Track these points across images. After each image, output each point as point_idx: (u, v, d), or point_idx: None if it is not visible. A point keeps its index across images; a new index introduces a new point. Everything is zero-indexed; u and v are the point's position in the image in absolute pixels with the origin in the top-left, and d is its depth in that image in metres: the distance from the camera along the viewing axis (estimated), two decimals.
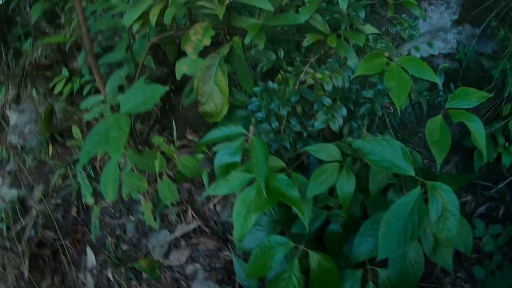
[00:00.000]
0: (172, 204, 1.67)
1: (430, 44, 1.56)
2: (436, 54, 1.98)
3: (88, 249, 1.86)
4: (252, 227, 1.30)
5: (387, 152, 1.03)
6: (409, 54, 1.59)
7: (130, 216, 1.78)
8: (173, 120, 1.31)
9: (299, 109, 1.22)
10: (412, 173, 1.02)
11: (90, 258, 1.85)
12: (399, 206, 1.01)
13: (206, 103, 1.31)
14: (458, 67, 1.93)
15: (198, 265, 1.59)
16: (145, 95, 1.25)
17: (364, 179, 1.23)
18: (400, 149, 1.03)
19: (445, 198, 0.98)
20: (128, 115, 1.21)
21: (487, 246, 1.52)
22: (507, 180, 1.64)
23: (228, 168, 1.09)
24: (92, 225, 1.68)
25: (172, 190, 1.18)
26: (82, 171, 1.79)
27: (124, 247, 1.75)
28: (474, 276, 1.50)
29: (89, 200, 1.73)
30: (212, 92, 1.29)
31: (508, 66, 1.69)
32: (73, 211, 1.97)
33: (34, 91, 2.17)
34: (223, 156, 1.10)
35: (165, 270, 1.62)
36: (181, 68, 1.25)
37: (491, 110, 1.73)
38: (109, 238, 1.76)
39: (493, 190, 1.63)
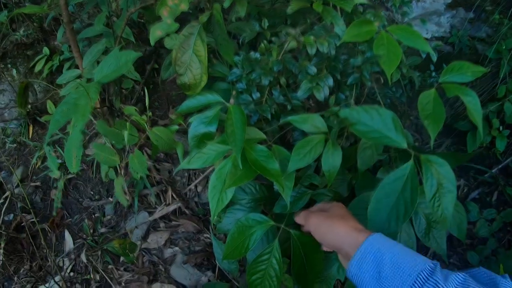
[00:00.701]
0: (152, 185, 1.57)
1: (423, 21, 1.45)
2: (429, 37, 1.89)
3: (67, 233, 1.75)
4: (232, 207, 1.20)
5: (376, 122, 0.91)
6: None
7: (110, 198, 1.68)
8: (145, 90, 1.20)
9: (282, 80, 1.11)
10: (405, 145, 0.90)
11: (68, 241, 1.75)
12: (390, 181, 0.88)
13: (184, 74, 1.20)
14: (451, 50, 1.84)
15: (177, 248, 1.49)
16: (118, 63, 1.16)
17: (352, 158, 1.12)
18: (391, 119, 0.91)
19: (440, 173, 0.86)
20: (98, 84, 1.12)
21: (481, 231, 1.42)
22: (501, 165, 1.55)
23: (203, 139, 0.98)
24: (55, 199, 1.57)
25: (141, 162, 1.07)
26: (50, 145, 1.68)
27: (102, 229, 1.65)
28: (467, 262, 1.41)
29: (55, 173, 1.62)
30: (191, 62, 1.19)
31: (504, 47, 1.60)
32: (52, 194, 1.86)
33: (14, 71, 2.06)
34: (197, 126, 0.98)
35: (143, 253, 1.52)
36: (156, 32, 1.14)
37: (485, 93, 1.64)
38: (87, 221, 1.66)
39: (487, 175, 1.54)
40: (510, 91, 1.55)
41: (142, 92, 1.71)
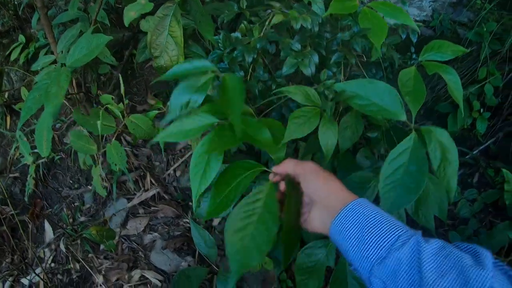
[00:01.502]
0: (130, 171, 1.52)
1: (403, 2, 1.43)
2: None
3: (46, 223, 1.70)
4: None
5: (374, 95, 0.86)
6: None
7: (89, 186, 1.63)
8: (120, 75, 1.16)
9: (264, 60, 1.08)
10: (404, 117, 0.85)
11: (48, 232, 1.70)
12: (393, 157, 0.84)
13: (160, 56, 1.16)
14: (432, 34, 1.82)
15: (156, 234, 1.45)
16: (89, 46, 1.11)
17: None
18: (389, 92, 0.86)
19: (443, 143, 0.83)
20: (69, 69, 1.08)
21: (462, 211, 1.40)
22: (482, 146, 1.54)
23: (186, 107, 0.89)
24: (27, 185, 1.52)
25: (120, 154, 1.02)
26: (21, 131, 1.62)
27: (82, 218, 1.60)
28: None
29: (27, 159, 1.57)
30: (167, 44, 1.14)
31: (485, 30, 1.58)
32: (31, 185, 1.80)
33: None
34: (181, 93, 0.85)
35: (122, 240, 1.47)
36: (129, 13, 1.10)
37: (466, 76, 1.63)
38: (65, 210, 1.61)
39: (468, 156, 1.52)
40: (491, 73, 1.53)
41: (119, 78, 1.66)
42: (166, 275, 1.40)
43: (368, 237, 0.59)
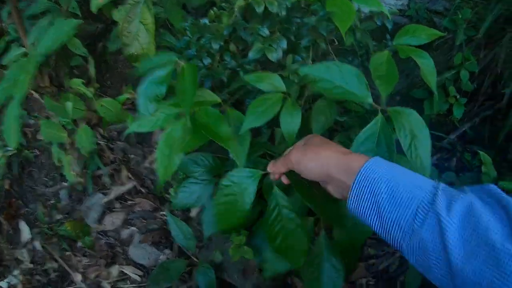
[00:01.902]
0: (106, 165, 1.49)
1: None
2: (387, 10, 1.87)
3: (22, 223, 1.65)
4: (186, 181, 1.14)
5: (339, 78, 0.84)
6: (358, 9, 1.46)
7: (64, 183, 1.58)
8: (90, 57, 1.12)
9: (232, 47, 1.06)
10: (370, 100, 0.83)
11: (24, 232, 1.65)
12: (361, 141, 0.80)
13: (131, 44, 1.13)
14: (408, 23, 1.83)
15: (133, 228, 1.42)
16: (59, 33, 1.08)
17: (308, 124, 1.08)
18: (355, 74, 0.84)
19: (411, 122, 0.79)
20: (37, 56, 1.05)
21: None
22: (459, 131, 1.54)
23: (153, 100, 0.91)
24: None
25: (89, 138, 1.00)
26: None
27: (58, 216, 1.55)
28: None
29: None
30: (138, 31, 1.12)
31: (460, 17, 1.59)
32: (6, 184, 1.75)
33: None
34: (147, 86, 0.90)
35: (100, 236, 1.44)
36: (96, 0, 1.07)
37: (442, 64, 1.63)
38: (41, 208, 1.56)
39: (445, 141, 1.53)
40: (466, 59, 1.54)
41: (94, 71, 1.62)
42: (145, 270, 1.37)
43: (387, 215, 0.53)
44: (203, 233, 1.11)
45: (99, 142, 1.51)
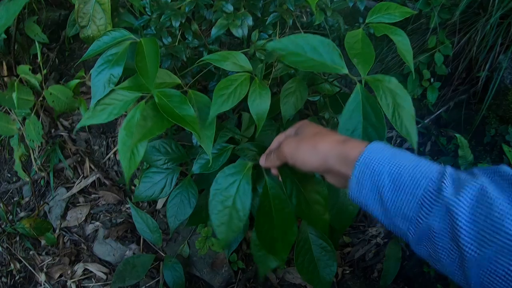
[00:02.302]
0: (67, 157, 1.40)
1: None
2: None
3: None
4: (148, 170, 1.07)
5: (307, 49, 0.76)
6: None
7: (27, 178, 1.49)
8: (37, 44, 1.03)
9: (194, 27, 0.99)
10: (345, 70, 0.76)
11: None
12: (347, 117, 0.71)
13: (87, 26, 1.06)
14: None
15: (98, 223, 1.34)
16: (8, 15, 1.00)
17: (278, 106, 1.02)
18: (325, 44, 0.76)
19: (392, 89, 0.72)
20: None
21: None
22: (433, 115, 1.51)
23: (109, 83, 0.82)
24: None
25: (37, 129, 0.92)
26: None
27: (22, 213, 1.47)
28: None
29: None
30: (94, 12, 1.04)
31: None
32: None
33: None
34: (100, 68, 0.82)
35: (63, 232, 1.35)
36: None
37: (416, 47, 1.59)
38: (3, 206, 1.47)
39: (419, 125, 1.49)
40: (441, 42, 1.50)
41: (56, 60, 1.53)
42: (111, 266, 1.30)
43: (390, 205, 0.49)
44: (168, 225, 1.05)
45: (61, 133, 1.42)
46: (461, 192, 0.44)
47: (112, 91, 0.83)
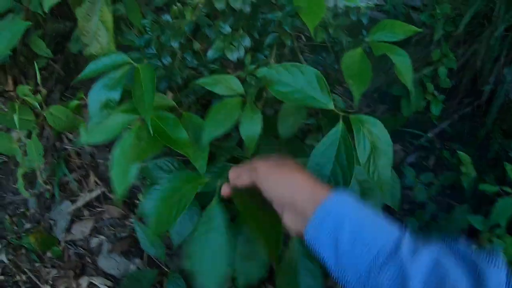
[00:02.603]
0: (72, 171, 1.41)
1: None
2: (364, 5, 1.82)
3: None
4: (150, 187, 1.08)
5: (299, 81, 0.77)
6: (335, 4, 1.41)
7: (33, 191, 1.51)
8: (36, 63, 1.05)
9: (196, 45, 1.00)
10: (331, 106, 0.76)
11: None
12: (322, 150, 0.73)
13: (91, 44, 1.07)
14: (385, 18, 1.78)
15: (102, 237, 1.35)
16: (11, 33, 1.01)
17: (275, 125, 1.02)
18: (316, 77, 0.77)
19: (373, 133, 0.73)
20: None
21: (419, 195, 1.35)
22: (437, 129, 1.50)
23: (106, 107, 0.83)
24: None
25: (38, 150, 0.93)
26: None
27: (27, 225, 1.48)
28: (407, 228, 1.33)
29: None
30: (97, 30, 1.06)
31: (438, 11, 1.54)
32: None
33: None
34: (99, 91, 0.82)
35: (68, 245, 1.37)
36: None
37: (420, 58, 1.59)
38: (9, 218, 1.48)
39: (423, 139, 1.49)
40: (445, 55, 1.50)
41: (61, 72, 1.55)
42: (115, 280, 1.31)
43: (344, 255, 0.48)
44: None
45: (66, 147, 1.44)
46: (417, 256, 0.44)
47: (110, 114, 0.84)
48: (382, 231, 0.48)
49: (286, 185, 0.58)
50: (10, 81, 1.45)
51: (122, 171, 0.80)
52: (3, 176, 1.61)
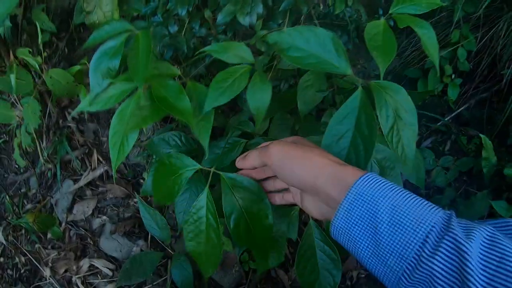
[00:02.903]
0: (75, 148, 1.36)
1: None
2: None
3: None
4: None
5: (313, 45, 0.70)
6: None
7: (35, 170, 1.46)
8: (38, 28, 1.00)
9: (207, 13, 0.94)
10: (349, 71, 0.69)
11: None
12: (340, 119, 0.66)
13: (93, 11, 1.02)
14: None
15: (105, 217, 1.30)
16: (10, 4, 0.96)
17: (293, 100, 0.95)
18: (331, 40, 0.70)
19: (397, 101, 0.65)
20: None
21: (438, 179, 1.29)
22: (454, 113, 1.44)
23: (106, 75, 0.79)
24: None
25: (35, 112, 0.88)
26: None
27: (28, 205, 1.43)
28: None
29: None
30: None
31: None
32: None
33: None
34: (99, 59, 0.78)
35: (69, 226, 1.32)
36: None
37: (438, 42, 1.52)
38: (9, 198, 1.44)
39: (439, 123, 1.42)
40: (464, 37, 1.43)
41: (66, 49, 1.50)
42: (117, 262, 1.26)
43: (386, 240, 0.42)
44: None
45: (69, 124, 1.39)
46: (471, 235, 0.39)
47: (110, 83, 0.80)
48: (426, 212, 0.42)
49: (306, 168, 0.51)
50: (11, 57, 1.40)
51: (120, 141, 0.75)
52: (5, 156, 1.57)
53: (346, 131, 0.66)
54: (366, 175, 0.47)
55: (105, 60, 0.79)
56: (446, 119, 1.43)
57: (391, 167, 0.89)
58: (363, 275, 1.28)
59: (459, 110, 1.45)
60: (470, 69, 1.45)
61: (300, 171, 0.51)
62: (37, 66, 0.87)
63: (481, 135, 1.14)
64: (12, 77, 0.85)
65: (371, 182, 0.46)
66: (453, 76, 1.44)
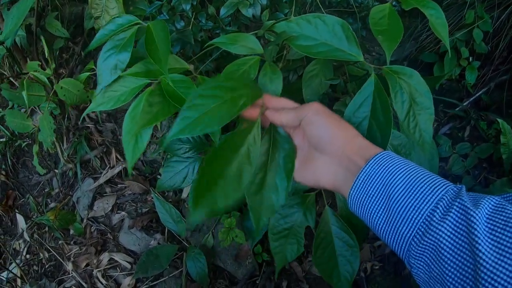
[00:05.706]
0: (94, 148, 1.40)
1: None
2: None
3: (18, 214, 1.59)
4: (170, 160, 1.04)
5: (323, 33, 0.70)
6: None
7: (56, 170, 1.51)
8: (43, 38, 1.03)
9: (211, 10, 0.95)
10: (361, 58, 0.68)
11: (21, 223, 1.59)
12: (355, 108, 0.66)
13: (101, 16, 1.04)
14: None
15: (124, 213, 1.33)
16: (19, 14, 0.99)
17: (298, 88, 0.96)
18: (341, 27, 0.69)
19: (412, 85, 0.65)
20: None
21: (454, 167, 1.26)
22: (473, 98, 1.40)
23: (115, 71, 0.79)
24: None
25: (49, 125, 0.91)
26: None
27: (52, 204, 1.48)
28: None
29: None
30: (107, 2, 1.03)
31: None
32: (2, 176, 1.69)
33: None
34: (106, 54, 0.79)
35: (90, 222, 1.36)
36: None
37: (453, 24, 1.48)
38: (33, 198, 1.49)
39: (458, 108, 1.39)
40: (479, 17, 1.39)
41: (81, 52, 1.53)
42: (136, 256, 1.29)
43: (398, 207, 0.45)
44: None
45: (87, 125, 1.43)
46: (479, 203, 0.41)
47: (119, 77, 0.80)
48: (438, 182, 0.45)
49: (341, 131, 0.54)
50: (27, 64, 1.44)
51: (134, 139, 0.76)
52: (29, 159, 1.62)
53: (363, 118, 0.65)
54: (387, 151, 0.51)
55: (114, 54, 0.79)
56: (464, 104, 1.39)
57: (407, 154, 0.88)
58: (377, 267, 1.26)
59: (477, 94, 1.41)
60: (488, 51, 1.40)
61: (331, 134, 0.54)
62: (46, 80, 0.90)
63: (499, 119, 1.11)
64: (24, 93, 0.88)
65: (390, 156, 0.49)
66: (470, 59, 1.40)
